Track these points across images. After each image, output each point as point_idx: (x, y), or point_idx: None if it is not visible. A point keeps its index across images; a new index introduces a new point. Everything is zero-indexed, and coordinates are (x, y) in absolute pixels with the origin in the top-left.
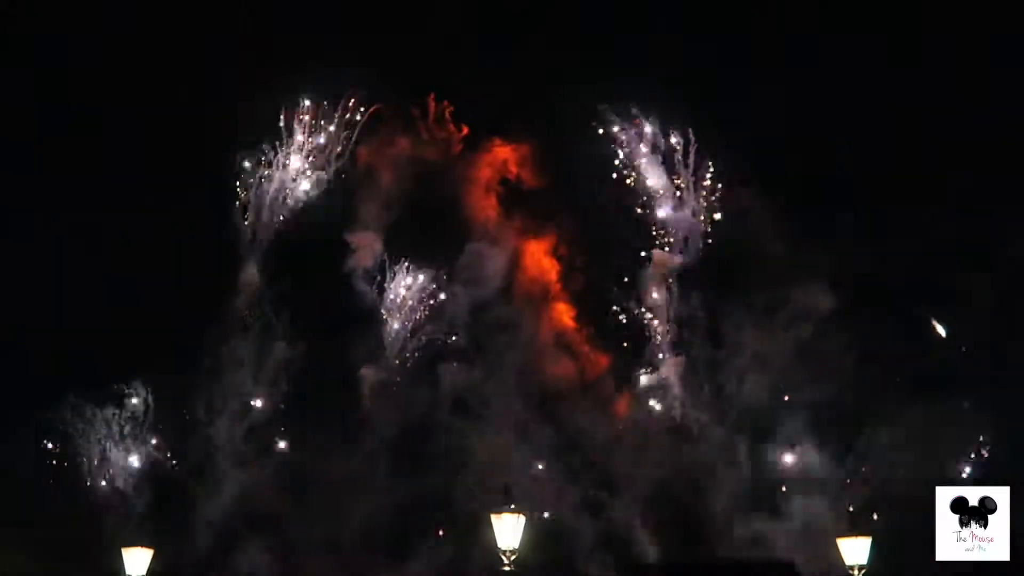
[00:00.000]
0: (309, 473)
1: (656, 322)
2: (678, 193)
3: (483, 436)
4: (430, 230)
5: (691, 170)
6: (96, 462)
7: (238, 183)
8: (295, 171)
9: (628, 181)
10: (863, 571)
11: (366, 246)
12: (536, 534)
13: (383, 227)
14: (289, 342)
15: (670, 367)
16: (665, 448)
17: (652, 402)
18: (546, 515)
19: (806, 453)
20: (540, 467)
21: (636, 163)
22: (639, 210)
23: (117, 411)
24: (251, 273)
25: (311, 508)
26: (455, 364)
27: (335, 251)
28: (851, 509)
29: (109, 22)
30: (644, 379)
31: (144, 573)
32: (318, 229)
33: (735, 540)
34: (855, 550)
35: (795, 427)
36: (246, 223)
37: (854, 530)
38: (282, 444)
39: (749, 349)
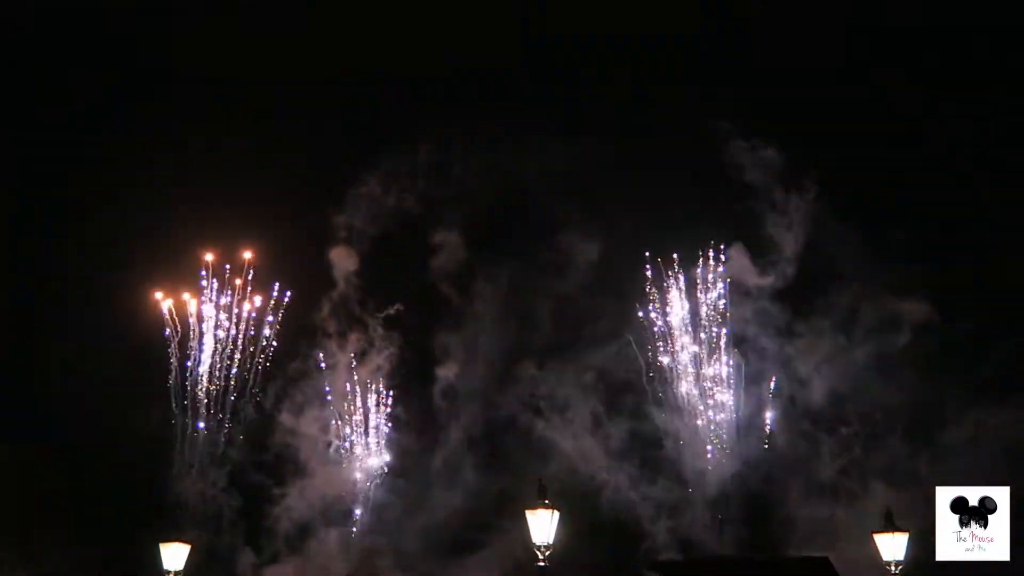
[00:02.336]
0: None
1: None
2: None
3: (561, 433)
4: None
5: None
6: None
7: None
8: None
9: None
10: (899, 567)
11: (449, 245)
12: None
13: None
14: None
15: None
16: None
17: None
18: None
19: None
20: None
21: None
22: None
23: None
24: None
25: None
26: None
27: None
28: (888, 508)
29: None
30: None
31: (181, 568)
32: (413, 232)
33: (804, 533)
34: (892, 546)
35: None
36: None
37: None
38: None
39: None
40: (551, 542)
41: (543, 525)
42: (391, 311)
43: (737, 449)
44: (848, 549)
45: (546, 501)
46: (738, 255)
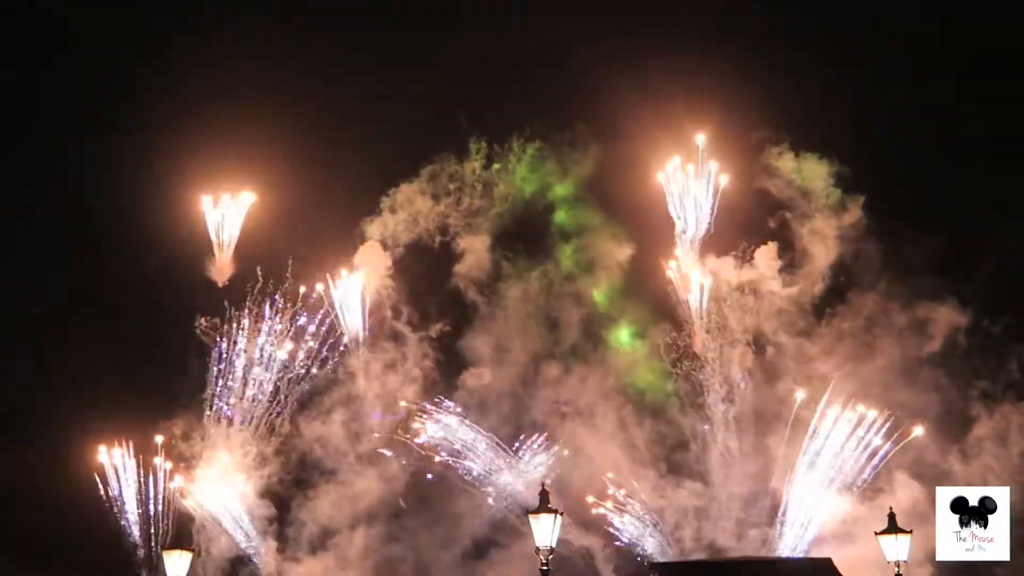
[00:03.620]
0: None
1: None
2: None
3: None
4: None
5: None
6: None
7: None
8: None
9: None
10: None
11: (475, 251)
12: None
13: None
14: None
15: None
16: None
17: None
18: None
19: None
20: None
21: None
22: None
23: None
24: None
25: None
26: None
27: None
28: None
29: None
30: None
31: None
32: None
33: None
34: (896, 547)
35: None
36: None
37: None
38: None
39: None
40: (554, 546)
41: (546, 529)
42: (432, 333)
43: (761, 450)
44: (872, 547)
45: (548, 505)
46: (766, 258)
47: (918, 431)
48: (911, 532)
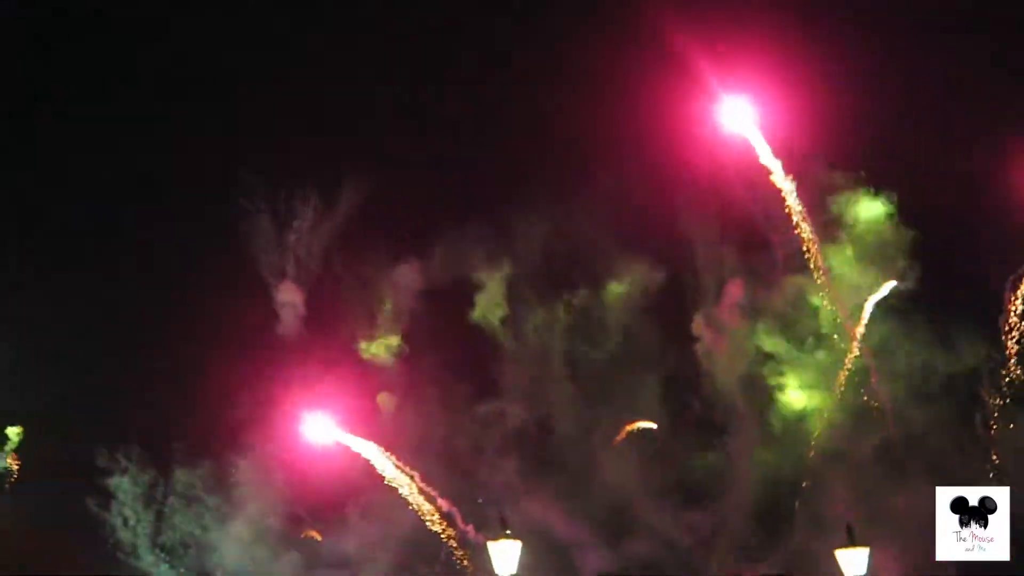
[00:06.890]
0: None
1: None
2: None
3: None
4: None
5: None
6: None
7: None
8: None
9: None
10: None
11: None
12: None
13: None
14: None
15: None
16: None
17: None
18: None
19: None
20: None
21: None
22: None
23: None
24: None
25: None
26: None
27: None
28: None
29: None
30: None
31: None
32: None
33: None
34: (853, 561)
35: None
36: None
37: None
38: None
39: None
40: (515, 572)
41: (506, 556)
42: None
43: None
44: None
45: (507, 532)
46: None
47: None
48: (868, 547)
